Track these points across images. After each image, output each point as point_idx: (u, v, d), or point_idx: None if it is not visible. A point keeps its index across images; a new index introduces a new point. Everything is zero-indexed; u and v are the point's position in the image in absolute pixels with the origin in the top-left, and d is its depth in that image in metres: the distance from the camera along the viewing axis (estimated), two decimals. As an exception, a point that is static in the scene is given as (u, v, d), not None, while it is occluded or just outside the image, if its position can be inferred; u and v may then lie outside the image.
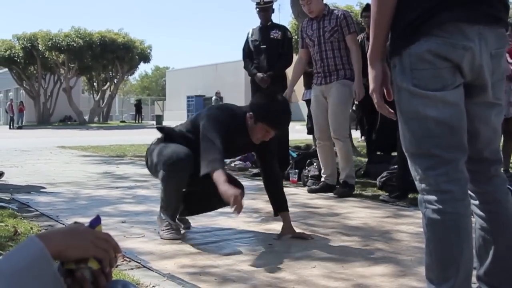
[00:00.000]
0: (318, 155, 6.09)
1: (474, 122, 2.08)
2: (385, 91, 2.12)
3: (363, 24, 7.83)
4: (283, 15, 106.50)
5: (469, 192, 2.12)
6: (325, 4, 5.87)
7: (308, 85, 8.37)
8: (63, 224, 4.22)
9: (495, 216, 2.17)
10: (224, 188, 3.24)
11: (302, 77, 8.49)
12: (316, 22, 5.82)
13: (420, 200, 2.04)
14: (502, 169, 6.37)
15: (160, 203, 3.84)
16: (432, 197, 1.98)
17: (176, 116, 54.48)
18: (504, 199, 2.18)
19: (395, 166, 6.08)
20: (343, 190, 5.70)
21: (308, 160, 6.73)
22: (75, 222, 1.32)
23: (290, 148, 8.65)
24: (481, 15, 1.95)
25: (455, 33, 1.93)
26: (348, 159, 5.82)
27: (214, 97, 35.32)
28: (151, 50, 43.93)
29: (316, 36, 5.80)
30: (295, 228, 3.86)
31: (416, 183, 2.06)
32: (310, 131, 8.40)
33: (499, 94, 2.09)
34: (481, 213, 2.19)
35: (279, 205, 3.90)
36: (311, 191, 5.96)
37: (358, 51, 5.71)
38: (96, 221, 1.26)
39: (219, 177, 3.30)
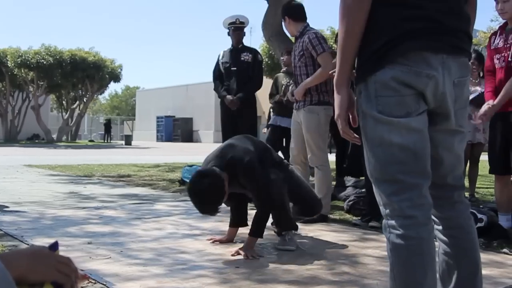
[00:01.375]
0: None
1: (438, 149, 2.11)
2: (350, 117, 2.14)
3: (335, 49, 7.90)
4: (254, 38, 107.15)
5: (433, 217, 2.15)
6: (300, 25, 5.70)
7: (277, 112, 8.46)
8: (28, 244, 4.15)
9: (458, 242, 2.19)
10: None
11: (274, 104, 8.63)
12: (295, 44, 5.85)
13: (384, 225, 2.06)
14: (468, 194, 6.44)
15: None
16: (396, 222, 2.00)
17: (145, 136, 54.29)
18: (467, 224, 2.21)
19: (363, 190, 6.14)
20: (313, 219, 5.34)
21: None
22: (32, 245, 1.31)
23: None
24: (444, 44, 1.99)
25: (419, 61, 1.96)
26: (322, 188, 5.55)
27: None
28: (121, 69, 43.91)
29: (292, 59, 5.83)
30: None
31: (381, 208, 2.08)
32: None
33: (461, 121, 2.13)
34: (444, 238, 2.21)
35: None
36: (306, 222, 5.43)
37: (325, 69, 5.39)
38: (54, 247, 1.25)
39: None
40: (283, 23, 5.75)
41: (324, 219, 5.52)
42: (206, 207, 3.96)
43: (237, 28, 7.25)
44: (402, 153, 1.99)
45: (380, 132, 2.01)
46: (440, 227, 2.22)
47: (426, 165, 2.03)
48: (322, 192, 5.50)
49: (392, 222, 2.01)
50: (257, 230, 4.07)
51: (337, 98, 2.11)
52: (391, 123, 1.98)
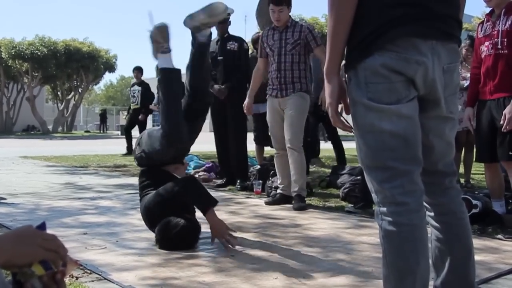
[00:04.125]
0: (275, 165, 6.05)
1: (429, 136, 2.12)
2: (343, 105, 2.14)
3: None
4: (249, 26, 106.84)
5: (425, 203, 2.16)
6: (289, 16, 5.88)
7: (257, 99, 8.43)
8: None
9: (450, 227, 2.21)
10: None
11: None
12: (278, 33, 5.83)
13: (376, 212, 2.06)
14: (463, 180, 6.47)
15: None
16: (388, 209, 2.01)
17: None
18: (458, 210, 2.22)
19: (358, 177, 6.15)
20: (300, 205, 5.60)
21: (272, 171, 6.74)
22: (16, 228, 1.29)
23: (254, 158, 8.69)
24: (434, 30, 2.00)
25: (409, 48, 1.96)
26: (302, 170, 5.78)
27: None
28: (116, 59, 43.72)
29: (277, 46, 5.80)
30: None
31: (372, 195, 2.09)
32: (259, 141, 8.47)
33: (452, 108, 2.14)
34: (436, 224, 2.23)
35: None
36: (268, 203, 5.87)
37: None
38: (41, 227, 1.24)
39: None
40: (278, 12, 5.69)
41: (303, 200, 5.75)
42: None
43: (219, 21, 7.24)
44: (393, 139, 1.99)
45: (370, 119, 2.01)
46: (432, 213, 2.23)
47: (417, 151, 2.04)
48: (303, 174, 5.81)
49: (384, 209, 2.02)
50: (204, 201, 3.94)
51: (327, 87, 2.10)
52: (381, 110, 1.98)
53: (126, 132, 14.33)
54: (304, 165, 5.89)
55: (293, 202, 5.73)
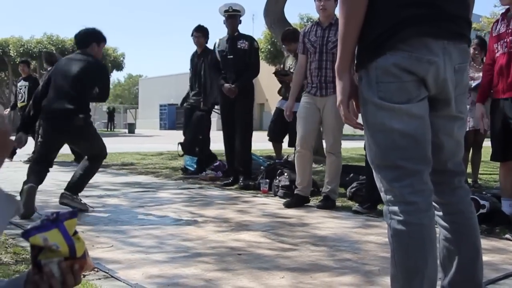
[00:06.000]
0: (296, 163, 5.85)
1: (438, 135, 2.12)
2: (354, 104, 2.15)
3: None
4: (256, 25, 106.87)
5: (433, 203, 2.15)
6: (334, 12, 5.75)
7: (284, 95, 8.39)
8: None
9: (459, 227, 2.20)
10: None
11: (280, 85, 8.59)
12: (321, 30, 5.71)
13: (385, 211, 2.06)
14: (471, 180, 6.42)
15: None
16: (397, 208, 2.01)
17: (148, 124, 54.31)
18: (467, 210, 2.22)
19: (365, 177, 6.14)
20: (326, 204, 5.59)
21: (279, 170, 6.73)
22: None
23: (261, 158, 8.70)
24: (445, 31, 2.00)
25: (420, 47, 1.96)
26: (337, 174, 5.73)
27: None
28: (124, 58, 43.85)
29: (319, 44, 5.67)
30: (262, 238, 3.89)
31: (382, 194, 2.09)
32: (272, 138, 8.53)
33: (461, 107, 2.14)
34: (445, 224, 2.22)
35: None
36: (288, 205, 5.69)
37: None
38: (72, 215, 1.27)
39: None
40: (328, 7, 5.58)
41: (333, 204, 5.69)
42: None
43: (230, 16, 7.29)
44: (403, 139, 2.00)
45: (381, 118, 2.01)
46: (440, 213, 2.23)
47: (426, 151, 2.04)
48: (337, 178, 5.76)
49: (393, 208, 2.02)
50: None
51: (339, 84, 2.12)
52: (392, 109, 1.98)
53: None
54: (340, 170, 5.85)
55: (319, 200, 5.75)
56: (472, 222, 2.22)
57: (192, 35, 8.52)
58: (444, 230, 2.23)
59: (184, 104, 8.92)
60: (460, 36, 2.05)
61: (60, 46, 38.75)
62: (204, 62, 8.31)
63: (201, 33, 8.45)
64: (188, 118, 8.73)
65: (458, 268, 2.20)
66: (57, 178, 8.06)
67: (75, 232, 1.28)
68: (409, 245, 2.00)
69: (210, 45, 8.31)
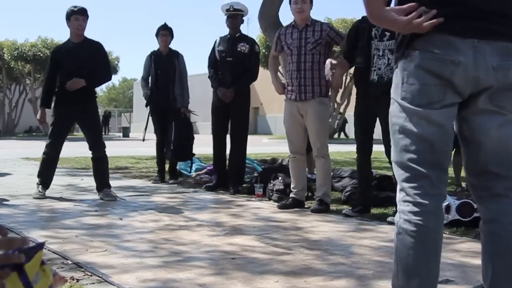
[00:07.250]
0: (291, 169, 5.94)
1: (475, 133, 2.05)
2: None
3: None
4: (251, 28, 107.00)
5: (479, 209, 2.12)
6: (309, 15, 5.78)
7: None
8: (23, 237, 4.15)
9: (494, 238, 2.08)
10: None
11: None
12: (297, 32, 5.70)
13: (398, 209, 2.09)
14: (465, 184, 6.27)
15: None
16: (406, 208, 2.02)
17: (143, 128, 54.21)
18: (506, 221, 2.06)
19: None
20: (320, 208, 5.57)
21: (273, 174, 6.73)
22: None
23: (255, 161, 8.68)
24: (473, 29, 1.94)
25: (445, 47, 1.94)
26: (327, 177, 5.74)
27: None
28: (118, 61, 43.73)
29: (297, 45, 5.67)
30: (257, 242, 3.88)
31: (397, 192, 2.11)
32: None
33: (503, 103, 2.01)
34: (483, 232, 2.12)
35: None
36: (283, 207, 5.75)
37: None
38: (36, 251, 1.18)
39: None
40: (301, 3, 5.62)
41: (328, 207, 5.68)
42: None
43: (231, 15, 7.06)
44: (420, 143, 2.01)
45: (401, 119, 2.04)
46: (481, 222, 2.14)
47: (443, 158, 2.04)
48: (327, 181, 5.77)
49: (403, 207, 2.04)
50: None
51: (386, 23, 2.12)
52: (411, 111, 2.00)
53: None
54: (330, 171, 5.88)
55: (313, 204, 5.74)
56: (510, 234, 2.05)
57: (157, 34, 8.14)
58: (483, 238, 2.13)
59: (150, 105, 8.40)
60: (492, 33, 1.95)
61: (54, 49, 38.65)
62: (178, 64, 8.13)
63: (168, 31, 8.12)
64: (160, 121, 8.30)
65: (492, 280, 2.08)
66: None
67: (43, 262, 1.19)
68: (411, 245, 2.00)
69: (172, 46, 8.21)
